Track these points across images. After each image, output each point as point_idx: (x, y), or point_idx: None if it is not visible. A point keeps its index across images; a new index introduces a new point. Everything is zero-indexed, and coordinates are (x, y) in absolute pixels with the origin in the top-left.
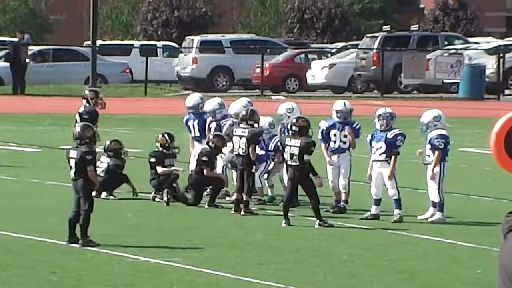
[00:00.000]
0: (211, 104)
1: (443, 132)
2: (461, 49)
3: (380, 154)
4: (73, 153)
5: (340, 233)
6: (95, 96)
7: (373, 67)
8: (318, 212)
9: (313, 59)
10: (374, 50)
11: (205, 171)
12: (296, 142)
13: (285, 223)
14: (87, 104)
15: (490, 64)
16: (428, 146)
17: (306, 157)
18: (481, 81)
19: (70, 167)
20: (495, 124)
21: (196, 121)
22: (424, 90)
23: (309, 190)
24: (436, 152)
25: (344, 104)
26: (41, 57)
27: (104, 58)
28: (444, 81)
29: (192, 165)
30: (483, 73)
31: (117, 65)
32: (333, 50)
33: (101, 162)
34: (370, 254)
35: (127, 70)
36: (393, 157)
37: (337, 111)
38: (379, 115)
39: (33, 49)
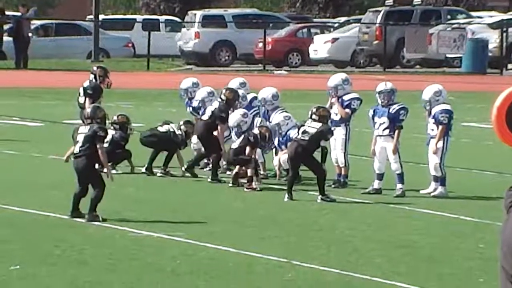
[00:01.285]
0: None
1: (447, 106)
2: (464, 23)
3: (384, 129)
4: (83, 129)
5: (342, 208)
6: (104, 74)
7: (375, 42)
8: (322, 187)
9: (316, 33)
10: (377, 25)
11: (219, 128)
12: (317, 125)
13: (287, 198)
14: (93, 80)
15: (493, 39)
16: (432, 121)
17: (322, 142)
18: (484, 56)
19: (76, 142)
20: (497, 98)
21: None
22: (427, 65)
23: (314, 165)
24: (440, 127)
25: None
26: (44, 31)
27: (107, 33)
28: (447, 55)
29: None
30: (486, 47)
31: (120, 40)
32: (336, 25)
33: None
34: (372, 228)
35: (130, 45)
36: (396, 131)
37: (379, 92)
38: (380, 91)
39: (35, 23)
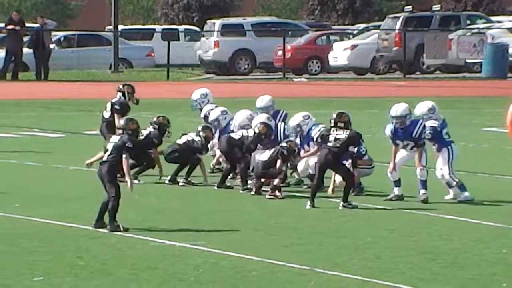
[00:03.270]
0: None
1: (434, 123)
2: (483, 28)
3: (411, 148)
4: (115, 138)
5: (364, 215)
6: (132, 91)
7: (395, 48)
8: (347, 194)
9: (335, 40)
10: (396, 31)
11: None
12: (345, 132)
13: (309, 205)
14: (121, 97)
15: None
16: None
17: (351, 148)
18: (504, 60)
19: (106, 151)
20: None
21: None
22: (447, 70)
23: (344, 171)
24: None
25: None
26: (66, 42)
27: (129, 43)
28: (467, 60)
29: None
30: (506, 52)
31: (142, 49)
32: (355, 32)
33: (144, 129)
34: (394, 235)
35: (152, 54)
36: (419, 149)
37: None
38: (393, 117)
39: (57, 34)
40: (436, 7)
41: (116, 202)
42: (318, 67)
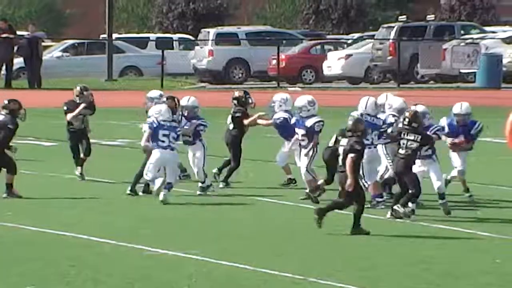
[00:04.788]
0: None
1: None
2: (477, 38)
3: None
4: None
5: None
6: (17, 108)
7: (389, 57)
8: (406, 202)
9: (329, 50)
10: (391, 40)
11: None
12: (416, 137)
13: (390, 215)
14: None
15: (507, 53)
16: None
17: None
18: (498, 70)
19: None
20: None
21: None
22: (441, 80)
23: (412, 180)
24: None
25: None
26: (74, 50)
27: (140, 50)
28: (461, 70)
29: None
30: (500, 62)
31: (152, 57)
32: (349, 41)
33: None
34: (390, 244)
35: (164, 62)
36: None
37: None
38: (456, 114)
39: (67, 42)
40: (431, 17)
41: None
42: (312, 76)
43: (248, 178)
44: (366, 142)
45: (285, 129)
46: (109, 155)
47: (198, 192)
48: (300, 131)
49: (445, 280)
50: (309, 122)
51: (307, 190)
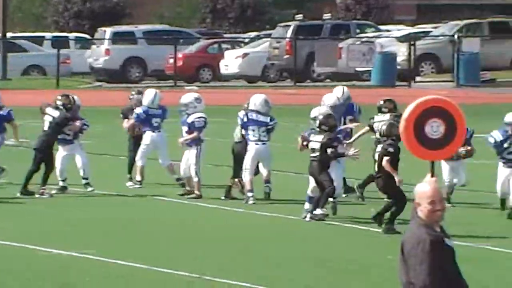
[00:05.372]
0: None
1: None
2: (372, 37)
3: None
4: None
5: (257, 223)
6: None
7: (286, 56)
8: (324, 203)
9: (227, 49)
10: (287, 39)
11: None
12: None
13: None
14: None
15: (401, 52)
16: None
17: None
18: (393, 69)
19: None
20: (405, 110)
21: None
22: (337, 78)
23: (326, 180)
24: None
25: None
26: None
27: (43, 49)
28: (357, 69)
29: None
30: (394, 60)
31: (55, 57)
32: (246, 40)
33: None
34: (287, 242)
35: (68, 61)
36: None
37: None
38: (507, 124)
39: None
40: (327, 15)
41: None
42: (210, 75)
43: (147, 178)
44: (253, 138)
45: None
46: None
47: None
48: (184, 128)
49: (340, 276)
50: (190, 118)
51: (187, 188)
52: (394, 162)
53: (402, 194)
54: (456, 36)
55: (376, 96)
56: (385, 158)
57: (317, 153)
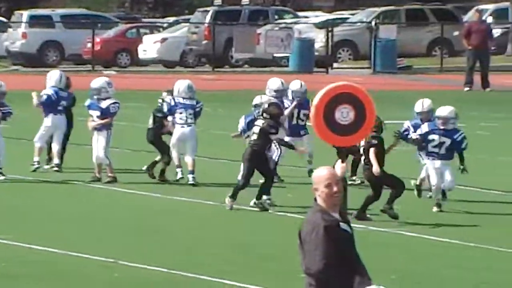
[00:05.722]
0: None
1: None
2: (291, 23)
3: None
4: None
5: (174, 209)
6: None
7: (204, 41)
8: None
9: (145, 33)
10: (206, 24)
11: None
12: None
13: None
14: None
15: (319, 38)
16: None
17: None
18: (311, 55)
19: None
20: (314, 97)
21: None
22: (255, 64)
23: (267, 169)
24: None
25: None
26: None
27: None
28: (275, 55)
29: None
30: (312, 46)
31: None
32: (165, 25)
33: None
34: (205, 228)
35: None
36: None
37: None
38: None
39: None
40: (245, 1)
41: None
42: (128, 59)
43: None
44: (180, 121)
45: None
46: None
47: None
48: (95, 113)
49: (259, 263)
50: (104, 104)
51: (97, 174)
52: (379, 152)
53: (397, 178)
54: (373, 23)
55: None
56: (371, 149)
57: (255, 138)
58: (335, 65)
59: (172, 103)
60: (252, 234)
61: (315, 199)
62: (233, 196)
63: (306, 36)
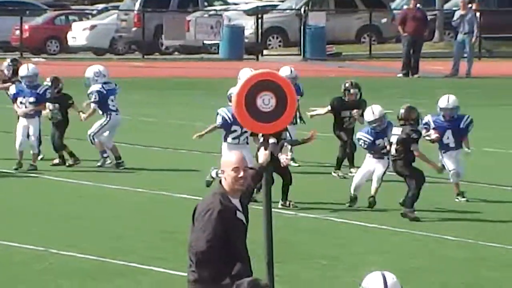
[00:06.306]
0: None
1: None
2: (220, 10)
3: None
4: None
5: (100, 195)
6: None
7: (134, 29)
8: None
9: (74, 20)
10: (135, 11)
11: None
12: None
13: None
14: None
15: (249, 25)
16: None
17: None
18: (240, 42)
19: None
20: (236, 86)
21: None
22: (185, 51)
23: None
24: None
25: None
26: None
27: None
28: (205, 42)
29: None
30: (242, 33)
31: None
32: (94, 12)
33: None
34: (133, 215)
35: None
36: None
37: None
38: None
39: None
40: None
41: None
42: (57, 47)
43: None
44: (112, 108)
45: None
46: None
47: None
48: (27, 100)
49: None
50: (39, 90)
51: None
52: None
53: (421, 171)
54: (302, 10)
55: (225, 69)
56: (413, 146)
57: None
58: (265, 52)
59: (104, 91)
60: (183, 221)
61: (220, 182)
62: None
63: (236, 23)
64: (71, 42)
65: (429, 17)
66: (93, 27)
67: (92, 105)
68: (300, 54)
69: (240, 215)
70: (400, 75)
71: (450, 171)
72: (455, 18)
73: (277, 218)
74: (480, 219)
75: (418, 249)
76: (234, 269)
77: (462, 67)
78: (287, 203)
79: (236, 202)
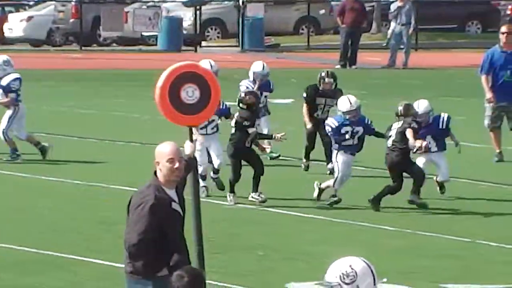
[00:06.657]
0: None
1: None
2: (158, 1)
3: None
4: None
5: (41, 186)
6: None
7: (71, 20)
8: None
9: (10, 11)
10: (73, 3)
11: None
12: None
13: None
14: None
15: (187, 17)
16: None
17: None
18: (179, 33)
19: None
20: (159, 78)
21: None
22: (123, 43)
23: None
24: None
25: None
26: None
27: None
28: (143, 33)
29: None
30: (180, 25)
31: None
32: (31, 3)
33: None
34: (72, 207)
35: None
36: None
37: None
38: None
39: None
40: None
41: None
42: None
43: None
44: (19, 99)
45: None
46: None
47: None
48: None
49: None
50: (4, 81)
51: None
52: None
53: (420, 168)
54: (240, 1)
55: (163, 61)
56: (408, 129)
57: (232, 132)
58: (203, 43)
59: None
60: (121, 212)
61: (155, 173)
62: (232, 191)
63: (174, 14)
64: (7, 33)
65: (367, 8)
66: (30, 18)
67: (12, 94)
68: (238, 46)
69: (175, 205)
70: (338, 66)
71: (437, 175)
72: (392, 9)
73: (217, 210)
74: (419, 210)
75: (354, 238)
76: (171, 259)
77: (399, 58)
78: (258, 194)
79: (171, 193)
